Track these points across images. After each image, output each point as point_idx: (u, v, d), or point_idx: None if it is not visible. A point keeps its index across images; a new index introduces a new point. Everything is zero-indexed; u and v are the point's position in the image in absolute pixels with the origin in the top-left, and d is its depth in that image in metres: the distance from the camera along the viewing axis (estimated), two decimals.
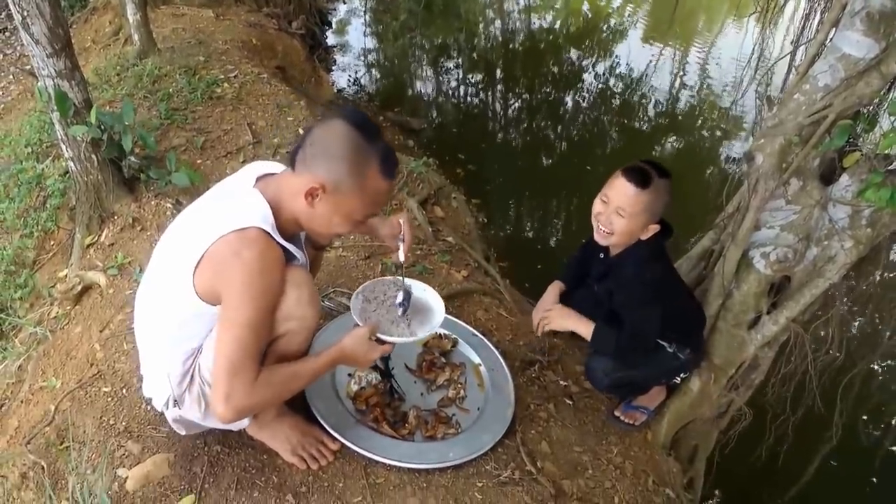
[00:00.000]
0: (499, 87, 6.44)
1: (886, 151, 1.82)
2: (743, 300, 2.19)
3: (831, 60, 1.88)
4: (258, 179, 1.61)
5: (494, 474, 1.91)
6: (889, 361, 3.72)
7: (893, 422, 3.51)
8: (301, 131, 3.52)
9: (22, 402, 2.31)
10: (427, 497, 1.81)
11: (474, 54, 7.06)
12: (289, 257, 1.58)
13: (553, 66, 6.79)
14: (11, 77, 5.09)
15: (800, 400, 2.40)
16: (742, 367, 2.30)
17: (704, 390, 2.30)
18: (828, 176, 2.05)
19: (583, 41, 7.36)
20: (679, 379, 2.29)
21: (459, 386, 2.12)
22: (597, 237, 2.00)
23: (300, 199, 1.52)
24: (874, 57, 1.80)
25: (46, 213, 3.01)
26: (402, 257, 1.87)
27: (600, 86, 6.45)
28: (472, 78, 6.55)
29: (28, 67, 4.57)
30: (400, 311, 1.84)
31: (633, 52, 6.96)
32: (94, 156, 2.67)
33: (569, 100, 6.18)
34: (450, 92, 6.39)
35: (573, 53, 7.10)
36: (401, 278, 1.92)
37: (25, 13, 2.34)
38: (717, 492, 2.97)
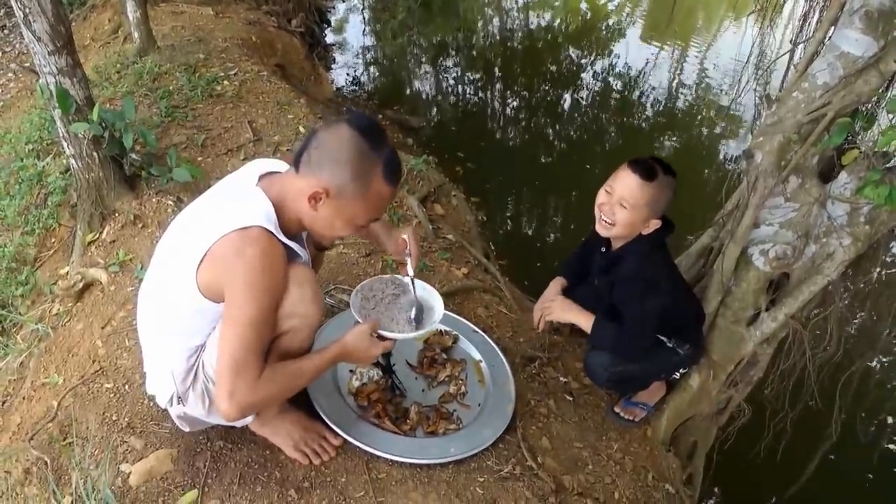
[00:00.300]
0: (497, 85, 6.44)
1: (885, 149, 1.83)
2: (742, 297, 2.20)
3: (830, 59, 1.89)
4: (261, 178, 1.61)
5: (495, 469, 1.92)
6: (887, 358, 3.74)
7: (890, 419, 3.53)
8: (301, 129, 3.53)
9: (24, 398, 2.32)
10: (429, 492, 1.82)
11: (473, 52, 7.06)
12: (291, 255, 1.59)
13: (552, 64, 6.79)
14: (10, 75, 5.09)
15: (798, 396, 2.42)
16: (741, 364, 2.31)
17: (704, 387, 2.31)
18: (826, 173, 2.07)
19: (581, 40, 7.37)
20: (678, 374, 2.30)
21: (460, 382, 2.13)
22: (598, 228, 2.01)
23: (303, 202, 1.52)
24: (873, 55, 1.81)
25: (47, 210, 3.01)
26: (410, 272, 1.88)
27: (599, 84, 6.46)
28: (471, 76, 6.56)
29: (27, 65, 4.59)
30: (413, 325, 1.85)
31: (632, 51, 6.97)
32: (95, 153, 2.68)
33: (567, 98, 6.19)
34: (449, 90, 6.40)
35: (572, 52, 7.10)
36: (399, 276, 1.93)
37: (27, 10, 2.34)
38: (716, 489, 2.98)
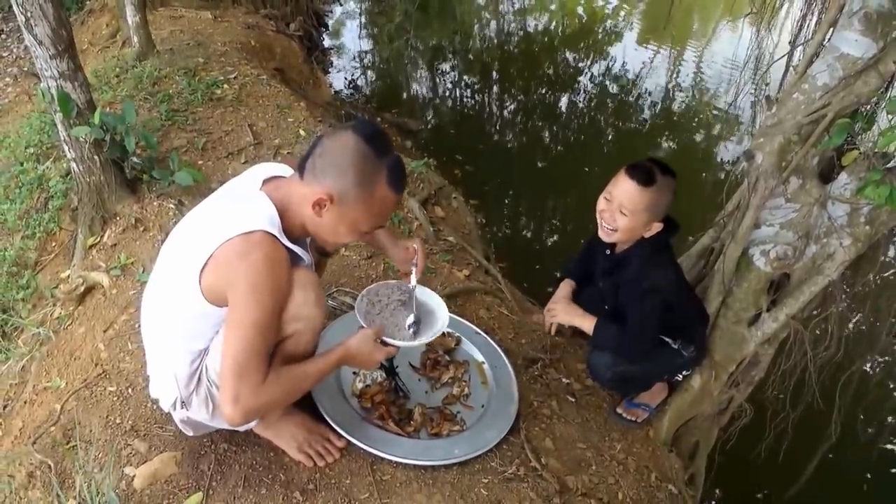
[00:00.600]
0: (495, 88, 6.46)
1: (885, 149, 1.85)
2: (743, 297, 2.21)
3: (830, 60, 1.90)
4: (265, 182, 1.62)
5: (499, 471, 1.92)
6: (884, 358, 3.75)
7: (890, 418, 3.54)
8: (302, 132, 3.54)
9: (26, 402, 2.32)
10: (433, 493, 1.83)
11: (470, 55, 7.08)
12: (295, 259, 1.59)
13: (549, 67, 6.81)
14: (8, 79, 5.09)
15: (800, 397, 2.43)
16: (742, 364, 2.32)
17: (705, 387, 2.32)
18: (826, 174, 2.08)
19: (579, 42, 7.39)
20: (681, 376, 2.31)
21: (464, 384, 2.14)
22: (601, 234, 2.02)
23: (308, 208, 1.53)
24: (872, 56, 1.82)
25: (48, 214, 3.01)
26: (414, 281, 1.89)
27: (597, 86, 6.48)
28: (469, 79, 6.57)
29: (26, 69, 4.59)
30: (410, 331, 1.86)
31: (630, 53, 6.99)
32: (96, 157, 2.68)
33: (565, 100, 6.21)
34: (446, 93, 6.41)
35: (569, 54, 7.12)
36: (405, 283, 1.94)
37: (29, 14, 2.34)
38: (717, 491, 2.99)
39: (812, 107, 1.93)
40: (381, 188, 1.54)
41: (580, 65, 6.93)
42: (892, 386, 3.74)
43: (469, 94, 6.37)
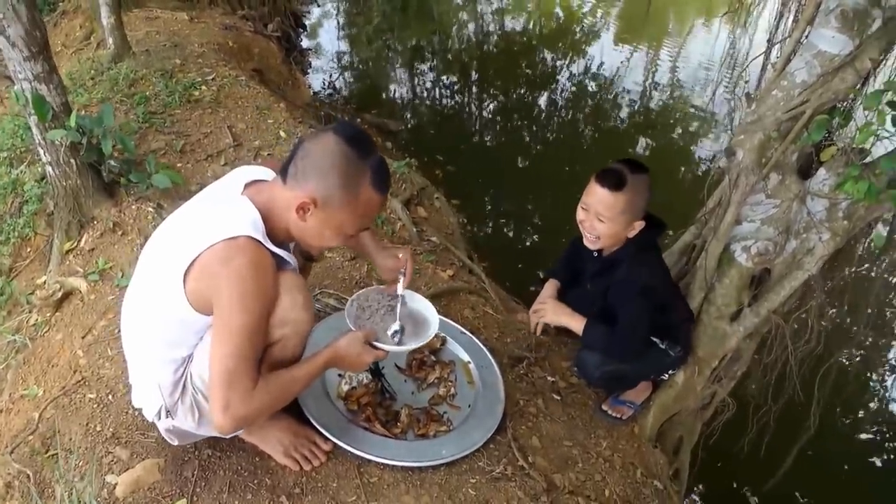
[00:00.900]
0: (474, 88, 6.47)
1: (862, 145, 1.88)
2: (725, 293, 2.23)
3: (807, 57, 1.93)
4: (247, 185, 1.59)
5: (487, 470, 1.92)
6: (862, 352, 3.82)
7: (862, 412, 3.61)
8: (282, 134, 3.51)
9: (2, 411, 2.27)
10: (421, 495, 1.82)
11: (449, 56, 7.08)
12: (280, 263, 1.57)
13: (528, 66, 6.84)
14: None
15: (781, 390, 2.46)
16: (725, 359, 2.34)
17: (689, 383, 2.34)
18: (805, 170, 2.11)
19: (557, 42, 7.42)
20: (667, 375, 2.32)
21: (450, 384, 2.13)
22: (586, 243, 2.05)
23: (291, 213, 1.51)
24: (849, 53, 1.85)
25: (23, 219, 2.94)
26: (401, 289, 1.88)
27: (576, 85, 6.52)
28: (448, 79, 6.57)
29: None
30: (396, 339, 1.85)
31: (608, 52, 7.04)
32: (72, 160, 2.63)
33: (544, 100, 6.23)
34: (426, 93, 6.40)
35: (547, 54, 7.16)
36: (394, 289, 1.92)
37: (1, 15, 2.29)
38: (700, 486, 3.02)
39: (791, 104, 1.96)
40: (365, 190, 1.53)
41: (558, 64, 6.96)
42: (868, 376, 3.81)
43: (448, 94, 6.37)
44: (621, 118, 6.01)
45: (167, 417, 1.67)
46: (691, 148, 5.66)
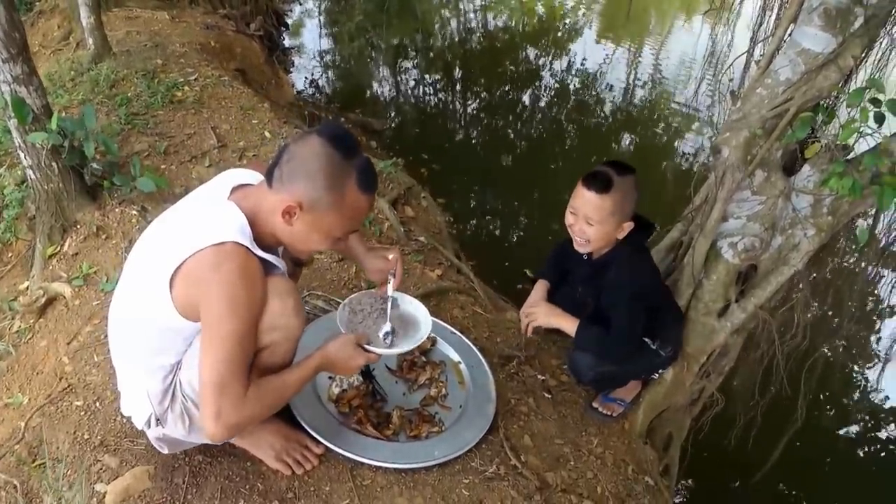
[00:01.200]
0: (458, 86, 6.47)
1: (846, 142, 1.90)
2: (712, 289, 2.25)
3: (791, 55, 1.94)
4: (233, 190, 1.57)
5: (480, 470, 1.92)
6: (843, 343, 3.88)
7: (845, 401, 3.66)
8: (267, 134, 3.48)
9: None
10: (414, 496, 1.82)
11: (432, 54, 7.08)
12: (269, 268, 1.55)
13: (511, 64, 6.85)
14: None
15: (768, 384, 2.48)
16: (713, 355, 2.36)
17: (678, 379, 2.35)
18: (790, 167, 2.13)
19: (540, 39, 7.45)
20: (657, 374, 2.33)
21: (441, 384, 2.13)
22: (576, 246, 2.04)
23: (277, 217, 1.49)
24: (832, 51, 1.87)
25: (3, 224, 2.89)
26: (391, 291, 1.87)
27: (559, 83, 6.54)
28: (432, 77, 6.57)
29: None
30: (388, 341, 1.84)
31: (591, 50, 7.07)
32: (54, 163, 2.59)
33: (528, 97, 6.25)
34: (410, 92, 6.39)
35: (531, 52, 7.18)
36: (386, 293, 1.92)
37: None
38: (689, 481, 3.05)
39: (775, 101, 1.97)
40: (351, 191, 1.51)
41: (541, 61, 6.99)
42: (851, 368, 3.87)
43: (432, 93, 6.37)
44: (605, 115, 6.04)
45: (157, 426, 1.65)
46: (675, 144, 5.71)
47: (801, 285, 2.29)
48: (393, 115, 5.88)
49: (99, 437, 1.88)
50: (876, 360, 3.93)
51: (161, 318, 1.50)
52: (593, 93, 6.37)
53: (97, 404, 2.00)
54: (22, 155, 2.59)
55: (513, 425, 2.12)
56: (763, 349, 2.38)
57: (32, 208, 2.82)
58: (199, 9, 5.27)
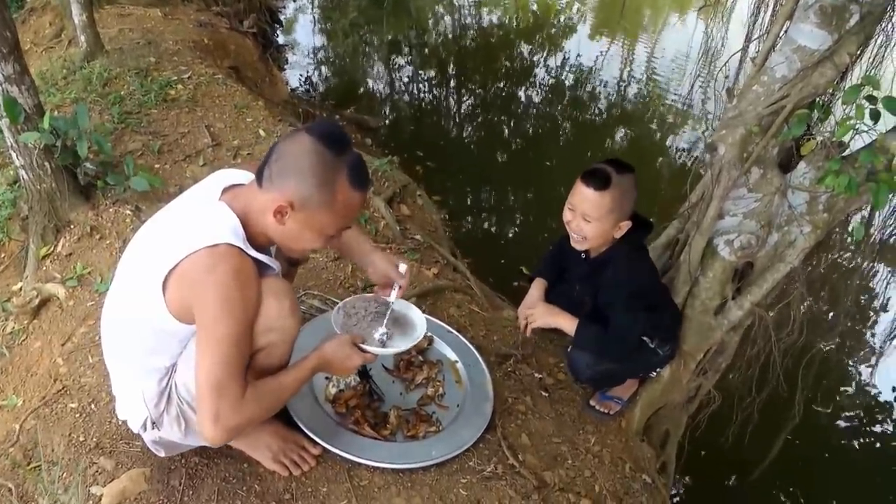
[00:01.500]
0: (453, 83, 6.46)
1: (841, 139, 1.89)
2: (709, 287, 2.25)
3: (787, 52, 1.94)
4: (224, 190, 1.56)
5: (478, 470, 1.92)
6: (837, 340, 3.89)
7: (838, 396, 3.67)
8: (261, 132, 3.47)
9: None
10: (412, 496, 1.81)
11: (426, 50, 7.06)
12: (263, 269, 1.54)
13: (506, 61, 6.85)
14: None
15: (765, 381, 2.48)
16: (710, 352, 2.36)
17: (675, 376, 2.35)
18: (786, 164, 2.13)
19: (534, 36, 7.44)
20: (655, 373, 2.33)
21: (438, 383, 2.12)
22: (573, 244, 2.04)
23: (269, 217, 1.47)
24: (828, 48, 1.87)
25: None
26: (393, 297, 1.86)
27: (554, 79, 6.53)
28: (426, 74, 6.55)
29: None
30: (383, 340, 1.84)
31: (585, 46, 7.07)
32: (47, 163, 2.57)
33: (523, 94, 6.24)
34: (405, 89, 6.38)
35: (525, 48, 7.16)
36: (381, 296, 1.90)
37: None
38: (686, 478, 3.06)
39: (771, 98, 1.97)
40: (342, 188, 1.49)
41: (536, 58, 6.98)
42: (847, 363, 3.88)
43: (427, 90, 6.35)
44: (599, 112, 6.04)
45: (153, 429, 1.64)
46: (669, 141, 5.71)
47: (797, 282, 2.29)
48: (388, 112, 5.87)
49: (94, 440, 1.87)
50: (872, 356, 3.94)
51: (154, 320, 1.49)
52: (588, 90, 6.36)
53: (92, 406, 1.99)
54: (14, 155, 2.57)
55: (510, 424, 2.12)
56: (760, 346, 2.38)
57: (25, 209, 2.80)
58: (192, 6, 5.24)
